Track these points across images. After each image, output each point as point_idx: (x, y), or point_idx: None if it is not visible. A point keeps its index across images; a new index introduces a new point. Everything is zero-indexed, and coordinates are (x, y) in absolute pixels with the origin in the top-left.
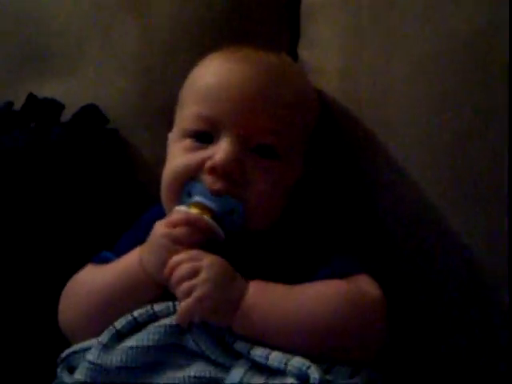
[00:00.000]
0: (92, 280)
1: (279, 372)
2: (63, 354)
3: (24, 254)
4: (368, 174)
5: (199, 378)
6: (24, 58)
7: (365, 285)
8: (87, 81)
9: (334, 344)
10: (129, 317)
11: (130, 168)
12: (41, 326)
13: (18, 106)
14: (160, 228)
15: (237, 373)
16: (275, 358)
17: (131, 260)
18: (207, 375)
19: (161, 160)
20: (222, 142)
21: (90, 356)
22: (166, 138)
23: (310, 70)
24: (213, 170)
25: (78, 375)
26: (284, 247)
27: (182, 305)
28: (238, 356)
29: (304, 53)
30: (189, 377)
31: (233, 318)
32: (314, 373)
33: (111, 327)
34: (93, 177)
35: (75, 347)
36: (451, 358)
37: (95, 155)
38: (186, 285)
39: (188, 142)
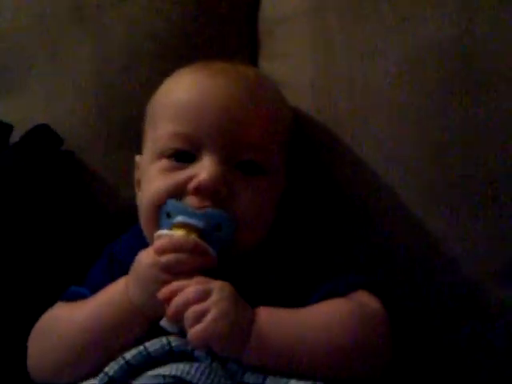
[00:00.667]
0: (69, 319)
1: None
2: None
3: None
4: (347, 184)
5: None
6: None
7: (366, 301)
8: (37, 99)
9: (347, 364)
10: (120, 361)
11: (88, 193)
12: None
13: None
14: (146, 257)
15: None
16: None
17: (115, 292)
18: None
19: (122, 183)
20: (204, 160)
21: None
22: (126, 160)
23: (278, 83)
24: (198, 191)
25: None
26: (276, 267)
27: (196, 329)
28: None
29: (266, 66)
30: None
31: (245, 346)
32: None
33: (102, 374)
34: (46, 204)
35: None
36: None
37: (48, 180)
38: (196, 307)
39: (165, 162)
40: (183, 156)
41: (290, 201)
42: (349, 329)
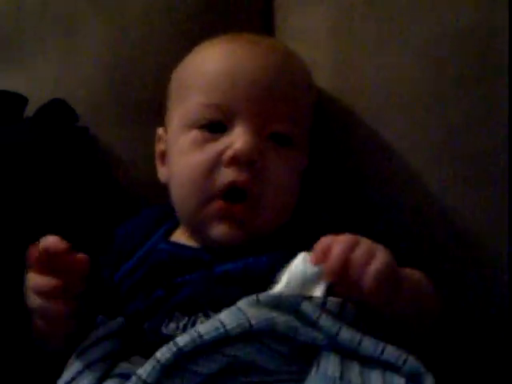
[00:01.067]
0: None
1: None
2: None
3: None
4: (363, 164)
5: None
6: None
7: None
8: (50, 72)
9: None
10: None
11: (105, 169)
12: None
13: None
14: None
15: (331, 367)
16: (367, 345)
17: None
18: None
19: (138, 158)
20: (237, 130)
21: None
22: (140, 134)
23: None
24: (234, 160)
25: None
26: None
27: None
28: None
29: None
30: None
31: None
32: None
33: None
34: (64, 181)
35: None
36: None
37: (63, 156)
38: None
39: (197, 133)
40: (215, 127)
41: (311, 181)
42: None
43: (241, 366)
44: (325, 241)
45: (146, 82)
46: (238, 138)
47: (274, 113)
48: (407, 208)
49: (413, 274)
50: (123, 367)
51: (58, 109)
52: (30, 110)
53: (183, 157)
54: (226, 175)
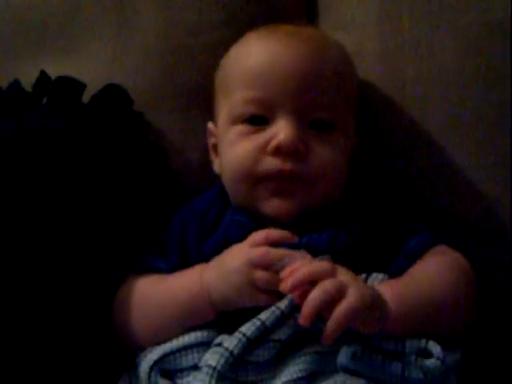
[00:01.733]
0: (147, 297)
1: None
2: (154, 356)
3: (48, 246)
4: (405, 153)
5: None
6: (20, 37)
7: (452, 253)
8: (103, 59)
9: (453, 318)
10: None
11: (160, 154)
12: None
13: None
14: (237, 255)
15: (355, 346)
16: (388, 342)
17: (190, 284)
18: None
19: (190, 146)
20: (280, 121)
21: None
22: (192, 120)
23: None
24: (279, 150)
25: None
26: (357, 224)
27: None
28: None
29: (334, 35)
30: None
31: (385, 321)
32: (436, 346)
33: (238, 334)
34: (120, 165)
35: (163, 350)
36: None
37: (121, 141)
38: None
39: (242, 127)
40: (258, 120)
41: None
42: (455, 281)
43: (306, 336)
44: (296, 271)
45: (197, 68)
46: (280, 130)
47: (313, 102)
48: (444, 194)
49: (429, 276)
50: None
51: (113, 94)
52: (85, 96)
53: (232, 147)
54: (273, 163)
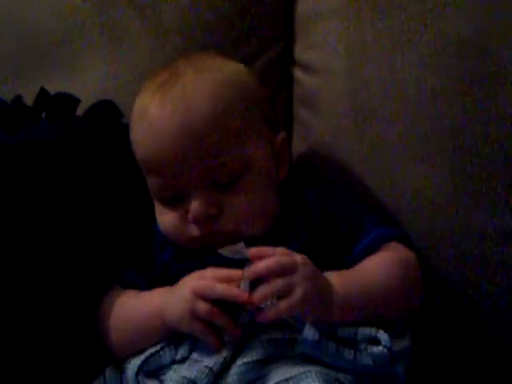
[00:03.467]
0: (118, 310)
1: (347, 341)
2: (138, 362)
3: (38, 255)
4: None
5: (274, 340)
6: (25, 56)
7: (402, 250)
8: (95, 76)
9: (396, 309)
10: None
11: None
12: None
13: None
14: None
15: (312, 333)
16: (343, 331)
17: (149, 308)
18: (281, 337)
19: None
20: (190, 195)
21: None
22: None
23: (315, 70)
24: (196, 221)
25: None
26: (306, 228)
27: (289, 301)
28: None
29: (303, 56)
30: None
31: (332, 309)
32: (384, 335)
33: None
34: (112, 173)
35: (144, 356)
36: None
37: (112, 149)
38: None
39: (161, 203)
40: (173, 199)
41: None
42: (397, 275)
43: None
44: (266, 251)
45: None
46: (191, 205)
47: (208, 170)
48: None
49: (375, 272)
50: None
51: (105, 108)
52: (80, 110)
53: (159, 216)
54: (195, 230)
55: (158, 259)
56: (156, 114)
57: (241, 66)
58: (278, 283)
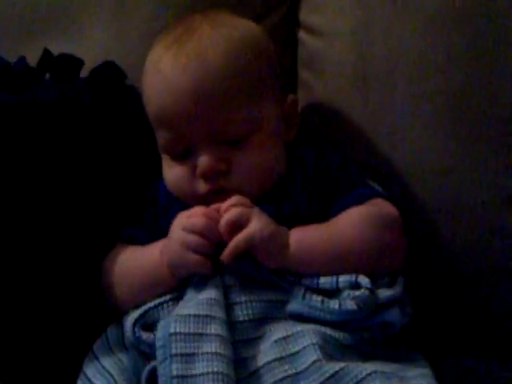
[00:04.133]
0: (124, 267)
1: (331, 292)
2: (135, 315)
3: (44, 214)
4: (373, 120)
5: (266, 301)
6: (27, 19)
7: (383, 205)
8: (101, 40)
9: (369, 261)
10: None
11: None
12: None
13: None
14: (176, 227)
15: (298, 292)
16: (324, 281)
17: (153, 256)
18: (273, 298)
19: None
20: (199, 150)
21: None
22: None
23: (320, 33)
24: (204, 176)
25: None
26: (301, 188)
27: (240, 237)
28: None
29: (308, 18)
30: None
31: (286, 254)
32: (364, 279)
33: None
34: (115, 132)
35: (143, 309)
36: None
37: (116, 109)
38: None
39: (169, 158)
40: (182, 154)
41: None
42: (365, 231)
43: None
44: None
45: None
46: (200, 158)
47: (221, 124)
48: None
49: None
50: None
51: (109, 69)
52: (83, 72)
53: (167, 171)
54: (203, 186)
55: (163, 217)
56: (171, 67)
57: (255, 25)
58: (235, 210)
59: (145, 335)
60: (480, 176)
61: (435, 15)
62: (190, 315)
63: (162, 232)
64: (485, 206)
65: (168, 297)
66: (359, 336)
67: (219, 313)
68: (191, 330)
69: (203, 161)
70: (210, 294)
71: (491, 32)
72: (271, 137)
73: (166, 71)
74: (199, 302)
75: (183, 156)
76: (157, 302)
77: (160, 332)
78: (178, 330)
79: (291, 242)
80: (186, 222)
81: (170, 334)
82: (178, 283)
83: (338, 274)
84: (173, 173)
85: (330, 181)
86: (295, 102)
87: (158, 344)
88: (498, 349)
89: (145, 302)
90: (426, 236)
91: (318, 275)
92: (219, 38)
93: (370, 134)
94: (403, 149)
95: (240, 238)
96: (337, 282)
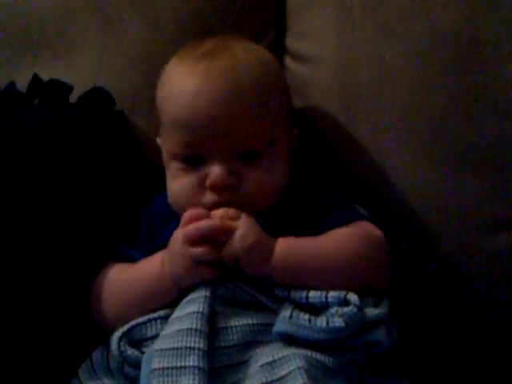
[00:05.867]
0: (119, 282)
1: (320, 308)
2: (123, 329)
3: (35, 236)
4: (361, 146)
5: (253, 325)
6: (18, 43)
7: (369, 227)
8: (90, 65)
9: (354, 277)
10: None
11: (137, 149)
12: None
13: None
14: (176, 236)
15: (285, 312)
16: (314, 295)
17: (154, 268)
18: (260, 322)
19: None
20: (212, 160)
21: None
22: None
23: (306, 59)
24: (214, 187)
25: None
26: (291, 210)
27: (227, 247)
28: (279, 302)
29: (295, 45)
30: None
31: (269, 261)
32: (353, 296)
33: None
34: (102, 157)
35: (130, 324)
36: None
37: (104, 136)
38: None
39: (180, 164)
40: (193, 160)
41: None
42: (353, 249)
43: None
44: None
45: None
46: (212, 170)
47: (237, 138)
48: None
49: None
50: None
51: (97, 95)
52: (72, 97)
53: (173, 180)
54: (211, 198)
55: (158, 238)
56: (205, 73)
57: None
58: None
59: (129, 351)
60: (463, 201)
61: (418, 40)
62: (168, 349)
63: (157, 251)
64: (468, 230)
65: (157, 314)
66: (345, 359)
67: (198, 343)
68: (170, 364)
69: (216, 172)
70: (191, 323)
71: (473, 56)
72: (281, 159)
73: (199, 76)
74: (178, 333)
75: (192, 162)
76: (145, 318)
77: (144, 369)
78: (157, 366)
79: (276, 250)
80: (184, 231)
81: (151, 371)
82: (179, 294)
83: (321, 288)
84: (179, 182)
85: (318, 203)
86: (297, 134)
87: (142, 383)
88: (484, 373)
89: (139, 317)
90: (409, 258)
91: (303, 287)
92: (252, 57)
93: (357, 157)
94: (389, 173)
95: (225, 252)
96: (326, 297)
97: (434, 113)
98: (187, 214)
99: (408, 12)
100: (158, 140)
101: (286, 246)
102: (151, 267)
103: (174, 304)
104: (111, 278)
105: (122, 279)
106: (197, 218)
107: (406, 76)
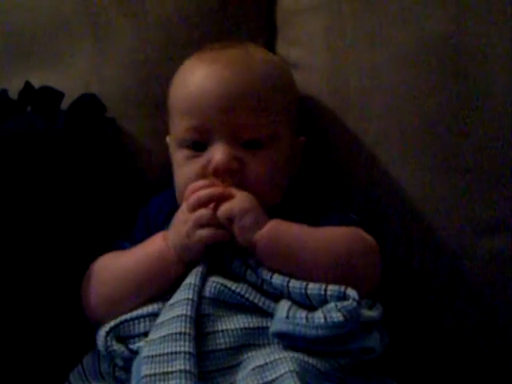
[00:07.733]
0: (115, 266)
1: (318, 304)
2: (110, 324)
3: (29, 243)
4: (351, 153)
5: (244, 329)
6: (10, 50)
7: (362, 232)
8: (80, 72)
9: (338, 274)
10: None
11: (129, 155)
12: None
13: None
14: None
15: (282, 312)
16: (313, 287)
17: (156, 245)
18: (252, 325)
19: (156, 148)
20: (216, 145)
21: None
22: (159, 128)
23: (296, 66)
24: (216, 171)
25: None
26: (290, 211)
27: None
28: (275, 300)
29: (285, 52)
30: (238, 329)
31: (257, 232)
32: (352, 291)
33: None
34: (94, 164)
35: (119, 320)
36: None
37: (95, 143)
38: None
39: (186, 151)
40: (198, 145)
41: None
42: (347, 242)
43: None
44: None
45: (165, 80)
46: (215, 153)
47: (241, 124)
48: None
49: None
50: None
51: (88, 102)
52: (64, 104)
53: (179, 169)
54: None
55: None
56: (218, 61)
57: None
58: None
59: (116, 346)
60: (453, 206)
61: (407, 47)
62: (156, 355)
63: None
64: (458, 235)
65: (145, 311)
66: (338, 363)
67: (184, 347)
68: (158, 370)
69: (218, 156)
70: (178, 327)
71: (461, 61)
72: (282, 157)
73: (208, 61)
74: (165, 339)
75: (198, 148)
76: (134, 315)
77: (134, 378)
78: (146, 373)
79: (267, 225)
80: (187, 202)
81: (141, 378)
82: (184, 270)
83: (302, 277)
84: (184, 170)
85: (314, 211)
86: (303, 144)
87: None
88: (482, 375)
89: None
90: (399, 264)
91: (284, 272)
92: (265, 53)
93: (347, 163)
94: (380, 179)
95: (221, 208)
96: (325, 290)
97: (423, 118)
98: (191, 186)
99: (397, 18)
100: (168, 138)
101: (277, 223)
102: (152, 245)
103: (164, 297)
104: (103, 267)
105: (117, 265)
106: (200, 189)
107: (395, 82)
